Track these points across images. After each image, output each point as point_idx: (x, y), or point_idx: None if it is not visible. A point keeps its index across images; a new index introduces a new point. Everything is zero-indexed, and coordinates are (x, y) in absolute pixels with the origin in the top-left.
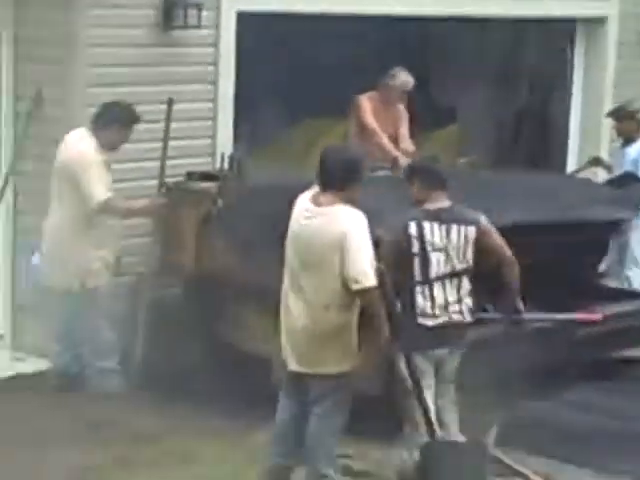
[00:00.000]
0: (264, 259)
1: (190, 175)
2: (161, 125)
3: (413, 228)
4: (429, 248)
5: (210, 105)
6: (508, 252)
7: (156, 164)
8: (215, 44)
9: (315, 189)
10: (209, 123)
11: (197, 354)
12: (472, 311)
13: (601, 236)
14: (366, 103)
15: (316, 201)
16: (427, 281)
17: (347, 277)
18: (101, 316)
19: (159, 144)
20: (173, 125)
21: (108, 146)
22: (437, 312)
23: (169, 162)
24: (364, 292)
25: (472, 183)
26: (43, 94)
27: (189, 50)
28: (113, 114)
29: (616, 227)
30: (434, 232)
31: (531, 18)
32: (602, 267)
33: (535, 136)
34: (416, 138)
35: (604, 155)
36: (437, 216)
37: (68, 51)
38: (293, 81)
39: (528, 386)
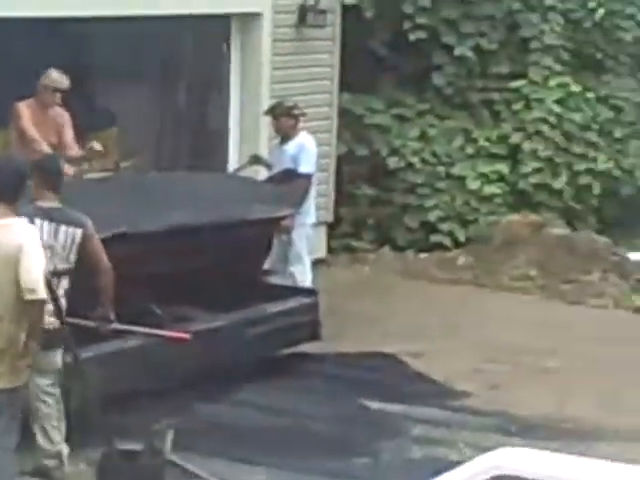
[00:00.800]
0: None
1: None
2: None
3: None
4: None
5: None
6: (105, 260)
7: None
8: None
9: None
10: None
11: None
12: (65, 313)
13: (264, 234)
14: (25, 110)
15: None
16: None
17: (23, 288)
18: None
19: None
20: None
21: None
22: None
23: None
24: (36, 303)
25: (133, 186)
26: None
27: None
28: None
29: (278, 224)
30: (43, 229)
31: (186, 15)
32: (266, 265)
33: (195, 136)
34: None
35: (264, 153)
36: (48, 214)
37: None
38: None
39: (200, 389)
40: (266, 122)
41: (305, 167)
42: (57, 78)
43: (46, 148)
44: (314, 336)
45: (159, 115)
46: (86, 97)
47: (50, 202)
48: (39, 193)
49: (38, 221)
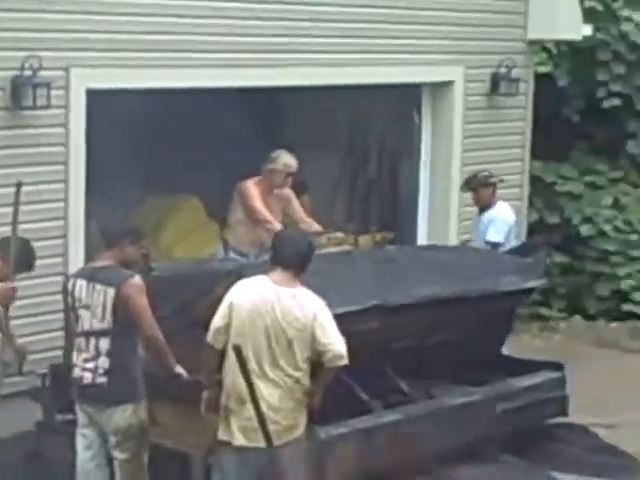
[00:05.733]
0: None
1: None
2: (11, 209)
3: (70, 284)
4: (77, 304)
5: (61, 186)
6: (147, 324)
7: None
8: (65, 124)
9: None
10: (61, 204)
11: None
12: (109, 371)
13: (510, 306)
14: (253, 189)
15: (277, 281)
16: (76, 335)
17: (329, 354)
18: None
19: (8, 227)
20: (24, 207)
21: None
22: (78, 365)
23: None
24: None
25: (376, 259)
26: None
27: (39, 131)
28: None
29: (525, 296)
30: (82, 289)
31: (377, 85)
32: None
33: (385, 204)
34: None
35: (453, 224)
36: (92, 274)
37: None
38: (143, 158)
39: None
40: (457, 192)
41: (493, 236)
42: (290, 162)
43: (279, 227)
44: (563, 412)
45: (348, 183)
46: None
47: (103, 261)
48: (100, 253)
49: (79, 281)
